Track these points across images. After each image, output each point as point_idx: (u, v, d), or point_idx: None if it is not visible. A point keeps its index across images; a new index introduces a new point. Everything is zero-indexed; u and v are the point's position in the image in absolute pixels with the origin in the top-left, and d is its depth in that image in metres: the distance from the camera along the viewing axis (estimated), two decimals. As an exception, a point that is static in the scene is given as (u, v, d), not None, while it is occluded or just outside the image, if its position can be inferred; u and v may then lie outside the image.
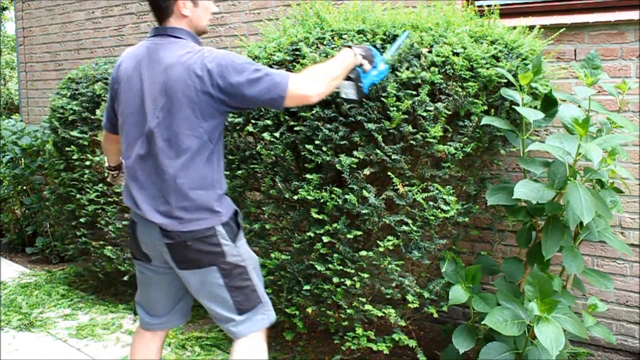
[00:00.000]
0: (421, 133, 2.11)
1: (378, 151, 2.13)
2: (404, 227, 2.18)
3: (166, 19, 1.75)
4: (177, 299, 1.95)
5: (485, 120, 2.12)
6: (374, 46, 2.12)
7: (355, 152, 2.15)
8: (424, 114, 2.09)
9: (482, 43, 2.22)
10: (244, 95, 1.65)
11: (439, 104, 2.09)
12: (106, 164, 2.16)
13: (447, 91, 2.12)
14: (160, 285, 1.91)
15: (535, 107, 2.19)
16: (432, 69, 2.10)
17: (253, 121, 2.38)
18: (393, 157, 2.12)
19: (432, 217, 2.18)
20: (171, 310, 1.95)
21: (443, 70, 2.11)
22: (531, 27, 2.50)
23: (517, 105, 2.14)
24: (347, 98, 1.90)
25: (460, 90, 2.11)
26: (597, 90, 2.55)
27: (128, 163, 1.78)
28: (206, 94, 1.64)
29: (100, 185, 3.30)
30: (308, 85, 1.68)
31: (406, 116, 2.09)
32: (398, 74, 2.11)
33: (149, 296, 1.95)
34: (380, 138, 2.12)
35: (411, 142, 2.12)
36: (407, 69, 2.12)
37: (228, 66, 1.64)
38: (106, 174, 2.20)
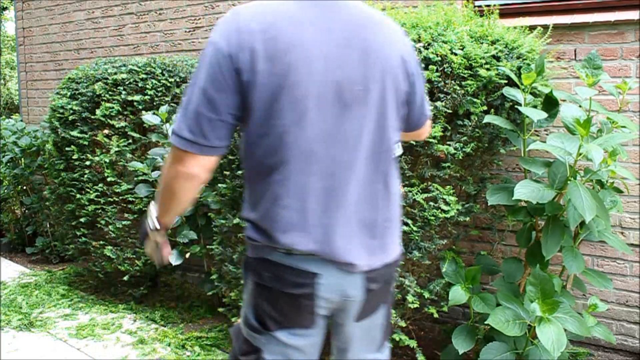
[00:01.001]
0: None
1: (378, 151, 2.13)
2: (404, 228, 2.18)
3: None
4: None
5: (487, 119, 2.12)
6: None
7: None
8: None
9: (482, 43, 2.22)
10: (413, 102, 1.31)
11: (438, 103, 2.09)
12: (154, 223, 1.30)
13: (445, 90, 2.12)
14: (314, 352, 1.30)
15: (536, 107, 2.18)
16: (430, 67, 2.10)
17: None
18: (393, 156, 2.12)
19: (433, 217, 2.18)
20: None
21: (441, 68, 2.11)
22: (532, 28, 2.50)
23: (519, 104, 2.14)
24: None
25: (458, 88, 2.11)
26: (597, 91, 2.56)
27: (328, 186, 1.16)
28: (408, 85, 1.26)
29: (100, 185, 3.31)
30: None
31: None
32: None
33: None
34: None
35: (410, 141, 2.12)
36: None
37: (416, 60, 1.30)
38: (146, 241, 1.34)
